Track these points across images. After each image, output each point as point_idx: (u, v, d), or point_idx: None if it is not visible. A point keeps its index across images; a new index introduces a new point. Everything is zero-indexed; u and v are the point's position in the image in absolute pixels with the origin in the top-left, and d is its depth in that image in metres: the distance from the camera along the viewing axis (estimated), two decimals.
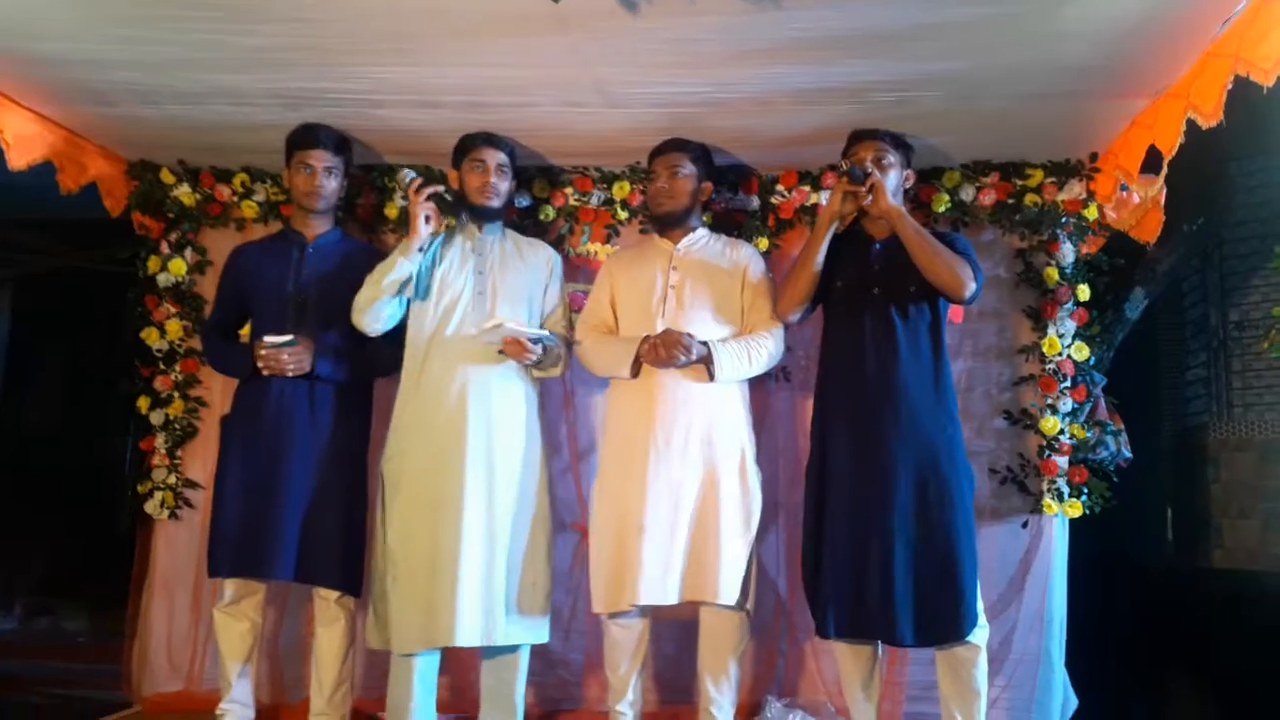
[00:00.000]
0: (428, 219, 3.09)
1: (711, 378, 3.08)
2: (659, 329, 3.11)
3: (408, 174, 3.23)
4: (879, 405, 2.93)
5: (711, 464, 3.08)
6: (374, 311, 3.13)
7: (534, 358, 3.08)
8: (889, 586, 2.83)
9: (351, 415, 3.29)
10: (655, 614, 3.17)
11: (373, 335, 3.18)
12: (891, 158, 3.05)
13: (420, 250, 3.11)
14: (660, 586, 2.98)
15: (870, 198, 2.94)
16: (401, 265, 3.09)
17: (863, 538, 2.88)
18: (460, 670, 3.35)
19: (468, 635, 2.96)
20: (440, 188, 3.13)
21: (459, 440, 3.06)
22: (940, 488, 2.88)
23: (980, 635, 2.92)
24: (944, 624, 2.85)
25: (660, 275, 3.24)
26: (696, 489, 3.06)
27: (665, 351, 3.03)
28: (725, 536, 3.02)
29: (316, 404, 3.20)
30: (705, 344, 3.07)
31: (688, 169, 3.26)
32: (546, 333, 3.14)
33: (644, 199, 3.63)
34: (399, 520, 3.08)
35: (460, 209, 3.22)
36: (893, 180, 3.03)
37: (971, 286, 2.91)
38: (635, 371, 3.11)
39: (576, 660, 3.60)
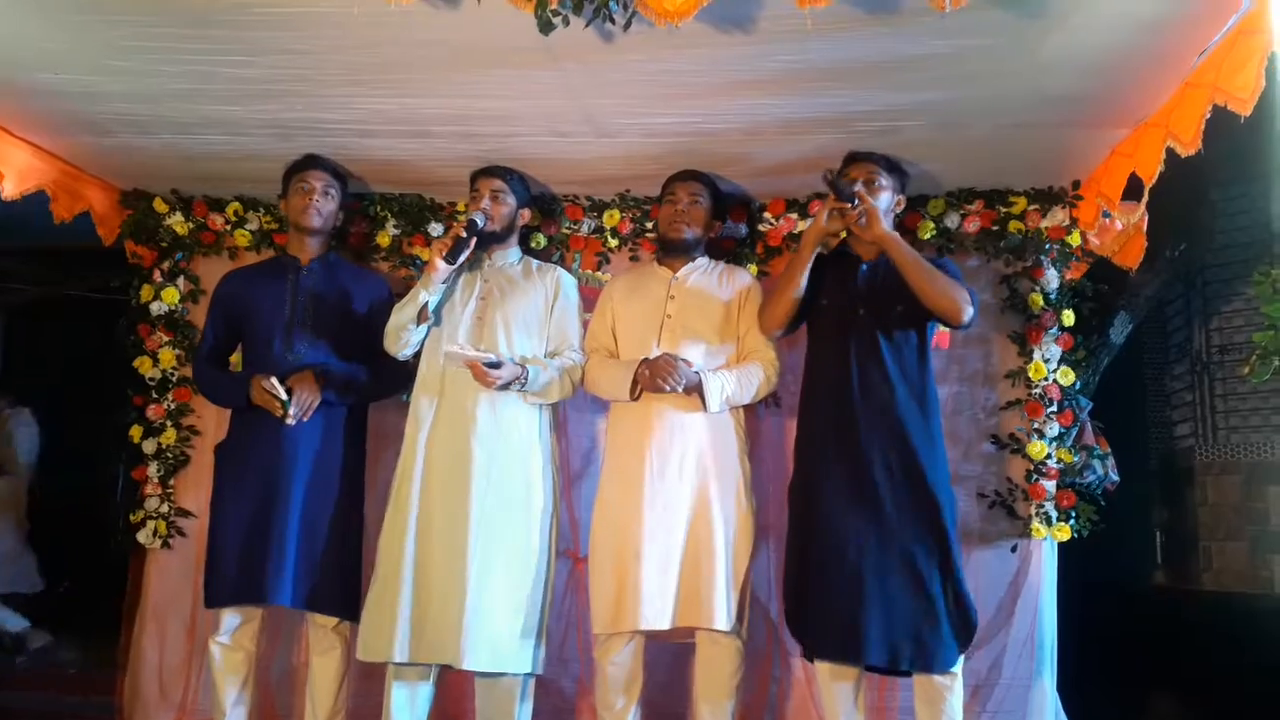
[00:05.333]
0: (441, 252, 3.09)
1: (704, 406, 3.11)
2: (655, 355, 3.13)
3: (477, 219, 3.18)
4: (864, 428, 2.92)
5: (706, 489, 3.09)
6: (401, 340, 3.17)
7: (495, 381, 3.04)
8: (867, 610, 2.81)
9: (349, 438, 3.31)
10: (649, 640, 3.17)
11: (400, 359, 3.23)
12: (884, 180, 3.07)
13: (444, 284, 3.14)
14: (657, 611, 2.99)
15: (863, 219, 2.94)
16: (421, 297, 3.12)
17: (845, 561, 2.87)
18: (455, 696, 3.35)
19: (473, 660, 2.97)
20: (466, 239, 3.11)
21: (447, 464, 3.09)
22: (923, 512, 2.87)
23: (957, 663, 2.89)
24: (922, 651, 2.82)
25: (658, 303, 3.27)
26: (691, 514, 3.07)
27: (656, 377, 3.05)
28: (720, 561, 3.03)
29: (314, 428, 3.21)
30: (698, 373, 3.09)
31: (705, 201, 3.32)
32: (492, 355, 3.07)
33: (635, 227, 3.67)
34: (396, 539, 3.08)
35: (464, 249, 3.13)
36: (884, 202, 3.05)
37: (969, 310, 2.90)
38: (637, 394, 3.13)
39: (569, 687, 3.60)
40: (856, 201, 2.94)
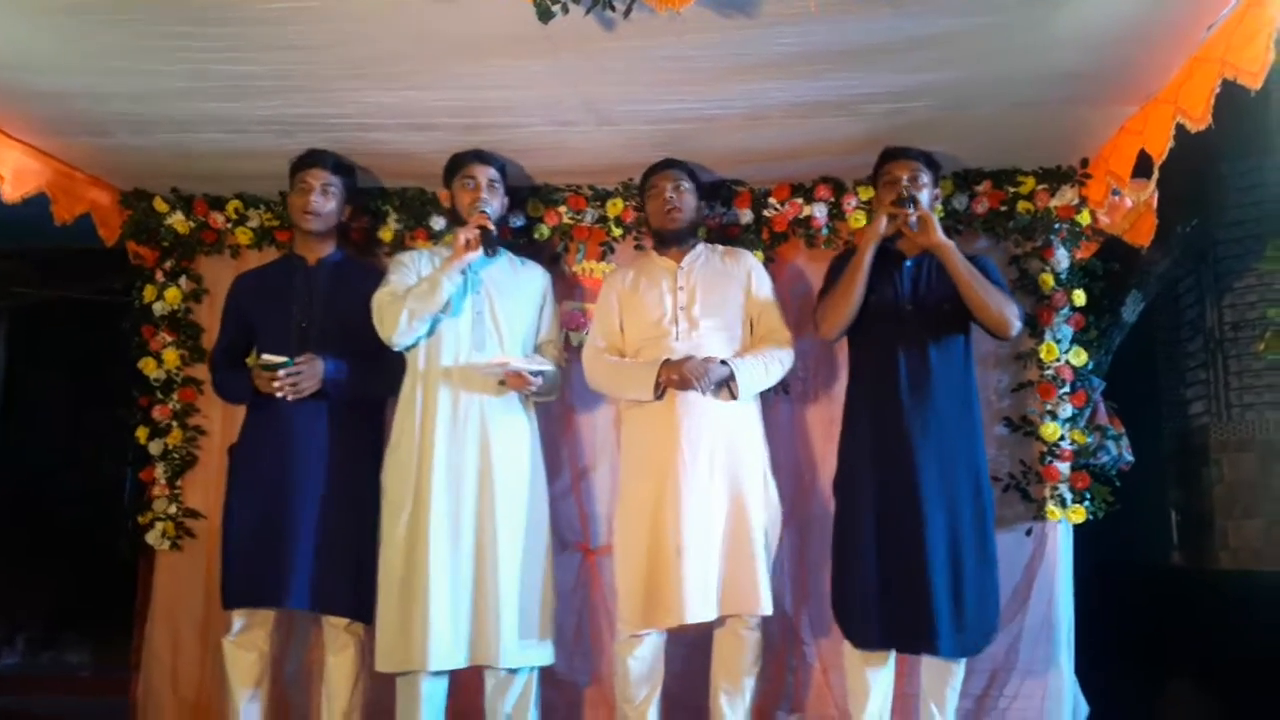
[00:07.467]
0: (468, 243, 3.09)
1: (733, 396, 3.09)
2: (674, 350, 3.12)
3: (489, 210, 3.18)
4: (910, 424, 2.97)
5: (737, 479, 3.09)
6: (412, 329, 3.11)
7: (535, 388, 3.11)
8: (926, 601, 2.87)
9: (362, 437, 3.28)
10: (669, 632, 3.15)
11: (397, 349, 3.17)
12: (925, 177, 3.10)
13: (463, 273, 3.14)
14: (702, 604, 2.98)
15: (916, 224, 2.98)
16: (446, 286, 3.10)
17: (897, 553, 2.93)
18: (466, 693, 3.33)
19: (479, 656, 3.00)
20: (491, 227, 3.13)
21: (459, 463, 3.08)
22: (970, 503, 2.96)
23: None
24: (975, 636, 2.93)
25: (668, 295, 3.24)
26: (725, 504, 3.07)
27: (691, 379, 3.03)
28: (758, 547, 3.05)
29: (328, 427, 3.19)
30: (725, 363, 3.08)
31: (689, 184, 3.30)
32: (549, 365, 3.18)
33: (639, 216, 3.63)
34: (398, 541, 3.09)
35: (492, 237, 3.16)
36: (924, 199, 3.07)
37: (1018, 325, 2.99)
38: (660, 393, 3.10)
39: (582, 682, 3.58)
40: (913, 206, 2.99)
